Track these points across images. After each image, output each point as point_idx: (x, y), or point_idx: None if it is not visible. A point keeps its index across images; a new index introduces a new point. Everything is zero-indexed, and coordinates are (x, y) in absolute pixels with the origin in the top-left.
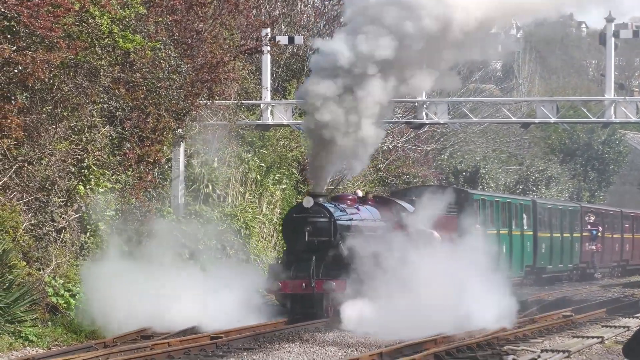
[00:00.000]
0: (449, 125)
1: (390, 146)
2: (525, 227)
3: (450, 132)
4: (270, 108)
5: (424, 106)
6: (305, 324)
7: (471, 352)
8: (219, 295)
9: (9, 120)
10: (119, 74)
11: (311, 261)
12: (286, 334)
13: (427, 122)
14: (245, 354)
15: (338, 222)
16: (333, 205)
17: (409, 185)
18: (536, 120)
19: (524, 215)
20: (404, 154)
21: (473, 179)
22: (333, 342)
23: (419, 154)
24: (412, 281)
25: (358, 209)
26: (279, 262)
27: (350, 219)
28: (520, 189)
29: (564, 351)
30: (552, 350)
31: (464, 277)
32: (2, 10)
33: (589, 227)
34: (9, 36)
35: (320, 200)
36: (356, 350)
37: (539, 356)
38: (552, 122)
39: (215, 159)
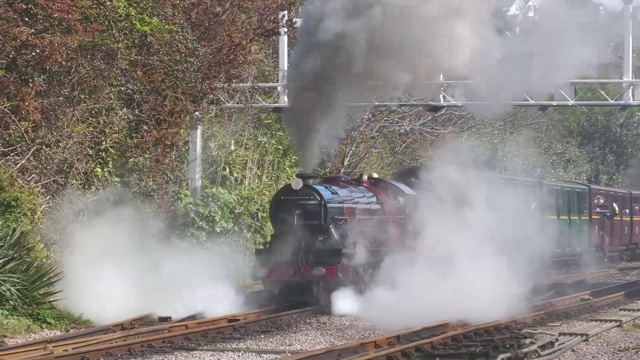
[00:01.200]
0: (466, 108)
1: (408, 129)
2: (532, 210)
3: (468, 115)
4: (287, 91)
5: (442, 89)
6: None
7: (489, 335)
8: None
9: (26, 103)
10: (136, 57)
11: (300, 246)
12: (303, 316)
13: (444, 104)
14: (262, 336)
15: (329, 205)
16: (324, 187)
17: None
18: (554, 103)
19: (531, 197)
20: (421, 137)
21: (491, 162)
22: (350, 326)
23: (436, 137)
24: (414, 266)
25: (351, 191)
26: (267, 247)
27: (342, 202)
28: (538, 172)
29: (582, 334)
30: (570, 334)
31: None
32: None
33: (598, 209)
34: (26, 19)
35: (310, 181)
36: (373, 333)
37: (556, 339)
38: (570, 104)
39: (232, 141)
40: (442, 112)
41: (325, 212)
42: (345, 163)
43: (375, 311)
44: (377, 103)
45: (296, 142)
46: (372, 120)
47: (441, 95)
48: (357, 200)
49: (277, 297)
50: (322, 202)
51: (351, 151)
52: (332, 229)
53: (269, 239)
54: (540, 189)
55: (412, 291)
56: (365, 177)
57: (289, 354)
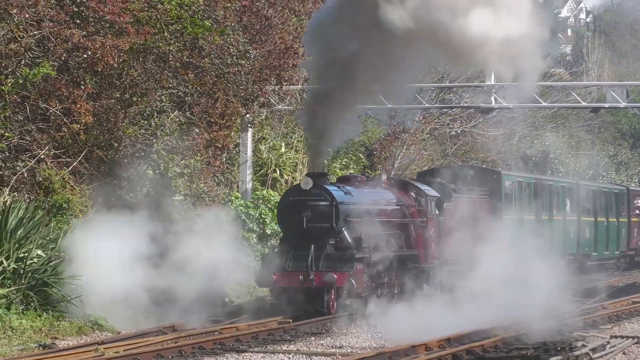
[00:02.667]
0: (518, 110)
1: (459, 131)
2: (568, 212)
3: (520, 117)
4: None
5: (493, 91)
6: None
7: (540, 337)
8: None
9: (78, 106)
10: (187, 59)
11: (310, 251)
12: (353, 318)
13: (496, 106)
14: (312, 338)
15: (341, 205)
16: (336, 187)
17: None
18: (606, 105)
19: (567, 200)
20: (472, 139)
21: (542, 164)
22: (401, 327)
23: (487, 139)
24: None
25: (367, 192)
26: (275, 251)
27: (356, 203)
28: (589, 175)
29: (633, 337)
30: (622, 337)
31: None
32: None
33: (637, 211)
34: (78, 21)
35: (322, 181)
36: (424, 336)
37: (608, 342)
38: (622, 106)
39: (283, 144)
40: (494, 114)
41: (337, 214)
42: (396, 165)
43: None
44: (427, 105)
45: (308, 138)
46: (423, 122)
47: (492, 97)
48: (374, 201)
49: (285, 305)
50: (334, 203)
51: (402, 153)
52: (345, 232)
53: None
54: (577, 190)
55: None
56: (384, 177)
57: (339, 356)
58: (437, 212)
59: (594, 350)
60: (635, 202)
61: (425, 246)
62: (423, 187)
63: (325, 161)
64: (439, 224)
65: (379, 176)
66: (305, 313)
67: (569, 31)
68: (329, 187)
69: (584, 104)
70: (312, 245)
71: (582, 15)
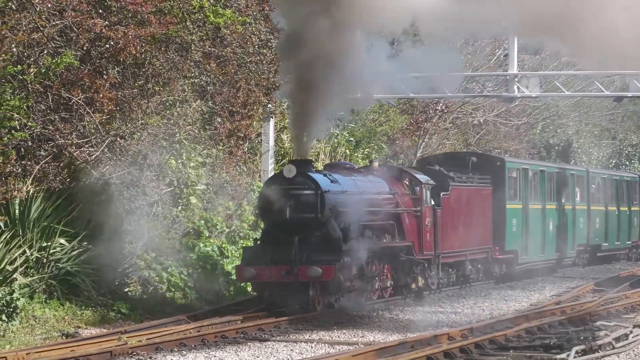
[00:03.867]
0: (541, 99)
1: (481, 120)
2: (577, 201)
3: (542, 106)
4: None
5: (516, 79)
6: (393, 299)
7: (563, 327)
8: None
9: (101, 95)
10: (209, 49)
11: (293, 243)
12: (375, 308)
13: (518, 95)
14: (335, 327)
15: (327, 195)
16: (322, 175)
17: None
18: (629, 94)
19: (577, 188)
20: (495, 129)
21: (565, 153)
22: (423, 317)
23: (510, 128)
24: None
25: (356, 180)
26: (257, 243)
27: (344, 191)
28: (613, 164)
29: None
30: None
31: None
32: None
33: None
34: (100, 11)
35: (306, 168)
36: (447, 325)
37: (630, 332)
38: None
39: (305, 133)
40: (516, 103)
41: (322, 203)
42: (418, 154)
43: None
44: (450, 94)
45: (292, 121)
46: (446, 111)
47: (515, 86)
48: (363, 190)
49: (267, 301)
50: (319, 191)
51: (424, 143)
52: (331, 223)
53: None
54: (587, 178)
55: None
56: (376, 164)
57: (362, 345)
58: (432, 201)
59: (617, 339)
60: None
61: (419, 237)
62: (418, 174)
63: (317, 143)
64: (435, 214)
65: (370, 164)
66: (289, 309)
67: None
68: (314, 175)
69: (607, 92)
70: (296, 237)
71: None
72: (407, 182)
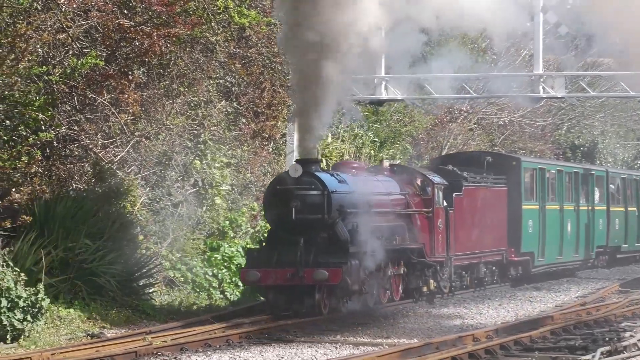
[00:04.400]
0: (566, 100)
1: (506, 121)
2: (597, 201)
3: (568, 107)
4: (384, 83)
5: (541, 80)
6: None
7: (588, 328)
8: None
9: (126, 96)
10: (234, 50)
11: (299, 245)
12: (400, 309)
13: (544, 96)
14: (359, 328)
15: (334, 195)
16: (329, 175)
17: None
18: None
19: (596, 188)
20: (520, 129)
21: (591, 154)
22: (448, 317)
23: (535, 129)
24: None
25: (366, 180)
26: (262, 245)
27: (352, 192)
28: (638, 164)
29: None
30: None
31: None
32: None
33: None
34: (125, 12)
35: (312, 168)
36: (472, 326)
37: None
38: None
39: (329, 134)
40: (541, 103)
41: (329, 204)
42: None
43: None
44: (475, 95)
45: (298, 119)
46: (471, 112)
47: (540, 87)
48: (372, 190)
49: (271, 305)
50: (326, 192)
51: (449, 143)
52: (339, 224)
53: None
54: (606, 178)
55: None
56: (386, 164)
57: (386, 346)
58: (445, 201)
59: None
60: None
61: (431, 239)
62: (429, 174)
63: (318, 146)
64: (448, 215)
65: (380, 163)
66: (296, 313)
67: None
68: (321, 175)
69: (632, 93)
70: (302, 239)
71: None
72: (418, 183)
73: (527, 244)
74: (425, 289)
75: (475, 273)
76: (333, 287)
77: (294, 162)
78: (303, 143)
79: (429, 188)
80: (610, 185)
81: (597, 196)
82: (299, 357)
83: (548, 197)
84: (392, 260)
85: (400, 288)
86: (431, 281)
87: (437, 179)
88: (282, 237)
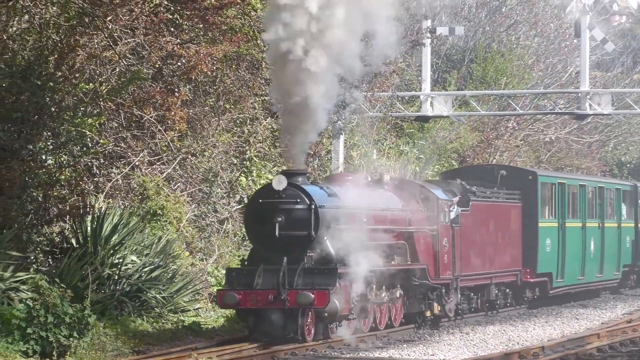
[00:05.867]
0: (613, 116)
1: (553, 137)
2: (624, 218)
3: (614, 123)
4: (429, 99)
5: (587, 97)
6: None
7: (634, 345)
8: None
9: (172, 113)
10: None
11: (282, 264)
12: (446, 327)
13: (590, 113)
14: (405, 345)
15: (322, 210)
16: (318, 188)
17: None
18: None
19: (623, 204)
20: (567, 146)
21: (638, 171)
22: (493, 335)
23: (582, 146)
24: None
25: (361, 194)
26: (244, 264)
27: (343, 207)
28: None
29: None
30: None
31: None
32: (166, 3)
33: None
34: (172, 29)
35: (299, 180)
36: (517, 344)
37: None
38: None
39: (374, 150)
40: (588, 120)
41: (316, 220)
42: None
43: None
44: (522, 112)
45: (283, 127)
46: (517, 128)
47: (587, 104)
48: (369, 205)
49: (252, 330)
50: (312, 206)
51: (494, 160)
52: (327, 242)
53: None
54: (635, 193)
55: None
56: (387, 177)
57: None
58: (451, 218)
59: None
60: None
61: (435, 259)
62: (434, 189)
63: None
64: (454, 233)
65: (381, 177)
66: (280, 339)
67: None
68: (307, 188)
69: None
70: (285, 258)
71: None
72: (421, 198)
73: (544, 264)
74: (428, 313)
75: (486, 295)
76: (319, 311)
77: (279, 173)
78: (290, 152)
79: (434, 204)
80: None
81: (624, 212)
82: None
83: (568, 213)
84: (390, 282)
85: (401, 312)
86: (435, 305)
87: (442, 194)
88: (264, 256)
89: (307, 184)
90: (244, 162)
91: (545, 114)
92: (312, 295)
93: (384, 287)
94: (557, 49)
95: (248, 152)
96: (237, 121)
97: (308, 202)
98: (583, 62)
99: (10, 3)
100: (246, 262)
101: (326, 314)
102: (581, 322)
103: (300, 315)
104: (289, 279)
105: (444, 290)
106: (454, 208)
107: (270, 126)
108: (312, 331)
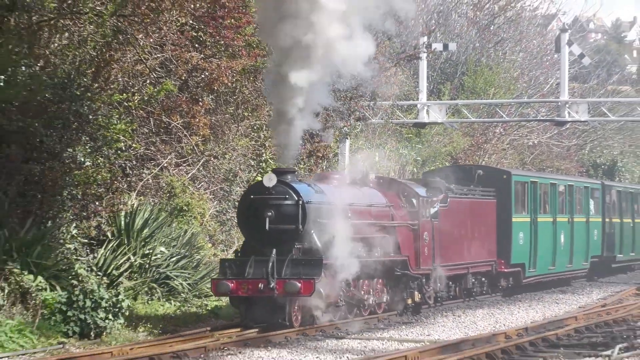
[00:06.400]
0: (589, 123)
1: (536, 142)
2: (592, 213)
3: (590, 129)
4: (426, 108)
5: (567, 106)
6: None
7: (608, 327)
8: None
9: (197, 120)
10: None
11: (271, 256)
12: (440, 310)
13: (569, 120)
14: (403, 327)
15: (309, 205)
16: (307, 185)
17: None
18: None
19: (591, 201)
20: (548, 149)
21: (611, 172)
22: (482, 318)
23: (561, 149)
24: None
25: (346, 191)
26: (237, 255)
27: (329, 203)
28: None
29: None
30: None
31: None
32: (192, 22)
33: None
34: (196, 45)
35: (288, 178)
36: (504, 325)
37: None
38: None
39: (377, 153)
40: (567, 126)
41: (304, 214)
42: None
43: None
44: (508, 119)
45: (273, 127)
46: (504, 133)
47: (566, 112)
48: (354, 202)
49: (244, 317)
50: (300, 201)
51: (484, 162)
52: (314, 235)
53: None
54: (602, 191)
55: None
56: (372, 176)
57: (428, 343)
58: (431, 213)
59: None
60: None
61: (416, 251)
62: (415, 187)
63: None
64: (433, 227)
65: (366, 175)
66: (270, 325)
67: (635, 52)
68: (296, 185)
69: None
70: (274, 250)
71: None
72: (404, 195)
73: (518, 256)
74: (410, 300)
75: (463, 284)
76: (306, 299)
77: (270, 171)
78: (280, 152)
79: (415, 200)
80: (606, 198)
81: (592, 208)
82: (349, 352)
83: (540, 209)
84: (373, 273)
85: (383, 300)
86: (416, 293)
87: (422, 191)
88: (255, 248)
89: (296, 181)
90: (260, 164)
91: (528, 120)
92: (299, 285)
93: (368, 277)
94: (540, 63)
95: (264, 155)
96: (254, 127)
97: (296, 198)
98: (562, 74)
99: (52, 22)
100: (239, 254)
101: (312, 302)
102: (561, 306)
103: (288, 303)
104: (278, 269)
105: (424, 280)
106: (435, 205)
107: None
108: (299, 318)
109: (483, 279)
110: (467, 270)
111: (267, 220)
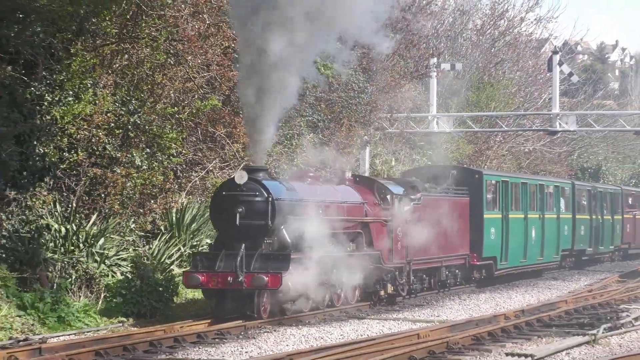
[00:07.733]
0: (578, 133)
1: (531, 149)
2: (562, 210)
3: (578, 138)
4: (435, 119)
5: (558, 117)
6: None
7: (594, 309)
8: None
9: (237, 130)
10: (320, 94)
11: (240, 250)
12: (449, 294)
13: (560, 130)
14: (416, 309)
15: (279, 202)
16: (278, 183)
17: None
18: None
19: (562, 199)
20: (542, 155)
21: (596, 175)
22: (485, 301)
23: (553, 155)
24: None
25: (319, 188)
26: (210, 249)
27: (300, 199)
28: (633, 183)
29: None
30: None
31: None
32: (233, 45)
33: (629, 209)
34: (237, 65)
35: (260, 175)
36: (503, 307)
37: None
38: None
39: (393, 159)
40: (558, 135)
41: (273, 211)
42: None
43: None
44: (506, 129)
45: (247, 128)
46: (503, 141)
47: (557, 123)
48: (326, 199)
49: (214, 308)
50: (270, 198)
51: (485, 166)
52: (284, 231)
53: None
54: (572, 190)
55: None
56: (348, 174)
57: (437, 322)
58: (404, 210)
59: (636, 319)
60: (628, 201)
61: (389, 246)
62: (389, 184)
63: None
64: (406, 223)
65: (342, 173)
66: (240, 317)
67: (617, 71)
68: (266, 182)
69: (628, 127)
70: (243, 244)
71: (627, 59)
72: (378, 192)
73: (489, 249)
74: (382, 292)
75: (437, 276)
76: (275, 292)
77: (241, 169)
78: (252, 151)
79: (389, 197)
80: (577, 196)
81: (562, 205)
82: (369, 330)
83: (511, 206)
84: (346, 266)
85: (356, 292)
86: (389, 285)
87: (396, 189)
88: (227, 242)
89: (267, 179)
90: (293, 167)
91: (524, 130)
92: (266, 278)
93: (340, 270)
94: (534, 80)
95: (295, 160)
96: (287, 136)
97: (266, 195)
98: (554, 90)
99: (114, 45)
100: (211, 249)
101: (280, 294)
102: (553, 291)
103: (256, 296)
104: (247, 263)
105: (397, 273)
106: (410, 202)
107: (312, 140)
108: (268, 309)
109: (457, 271)
110: (441, 264)
111: (238, 216)
